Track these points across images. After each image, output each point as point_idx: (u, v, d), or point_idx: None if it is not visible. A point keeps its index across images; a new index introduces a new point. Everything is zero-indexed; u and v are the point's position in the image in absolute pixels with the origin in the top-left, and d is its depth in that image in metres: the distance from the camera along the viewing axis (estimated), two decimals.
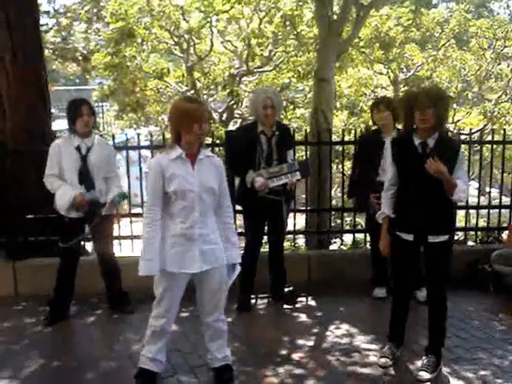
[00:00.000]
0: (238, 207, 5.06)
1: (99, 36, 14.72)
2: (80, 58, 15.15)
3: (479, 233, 6.31)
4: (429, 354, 3.77)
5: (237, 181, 4.97)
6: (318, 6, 7.49)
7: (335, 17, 7.45)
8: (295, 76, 11.09)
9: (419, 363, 3.82)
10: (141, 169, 5.65)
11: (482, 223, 6.73)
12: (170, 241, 3.37)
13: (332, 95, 7.74)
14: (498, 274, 5.33)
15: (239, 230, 5.17)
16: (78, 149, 4.49)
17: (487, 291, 5.31)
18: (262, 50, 11.46)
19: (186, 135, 3.34)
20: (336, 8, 8.88)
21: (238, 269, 3.57)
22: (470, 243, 6.53)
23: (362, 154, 5.11)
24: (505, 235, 6.26)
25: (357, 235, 6.24)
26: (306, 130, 5.89)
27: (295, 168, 4.68)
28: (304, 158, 5.67)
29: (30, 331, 4.51)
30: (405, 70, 13.07)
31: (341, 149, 6.14)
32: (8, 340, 4.33)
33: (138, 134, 5.92)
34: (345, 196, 5.66)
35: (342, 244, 6.16)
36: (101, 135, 4.83)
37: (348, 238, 6.73)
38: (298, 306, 5.01)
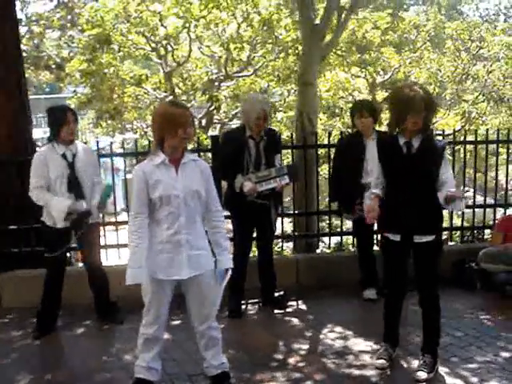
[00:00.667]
0: (226, 212, 5.02)
1: (73, 43, 14.57)
2: (53, 65, 14.99)
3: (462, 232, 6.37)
4: (425, 353, 3.78)
5: (224, 185, 4.95)
6: (301, 10, 7.52)
7: (318, 21, 7.49)
8: (274, 80, 11.11)
9: (415, 363, 3.83)
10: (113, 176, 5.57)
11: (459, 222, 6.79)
12: (157, 248, 3.33)
13: (316, 99, 7.79)
14: (485, 273, 5.38)
15: (229, 235, 5.16)
16: (64, 156, 4.41)
17: (474, 289, 5.36)
18: (240, 55, 11.46)
19: (171, 140, 3.30)
20: (319, 12, 8.95)
21: (229, 274, 3.50)
22: (451, 243, 6.60)
23: (343, 157, 5.11)
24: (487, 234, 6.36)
25: (344, 238, 6.25)
26: (292, 133, 5.90)
27: (283, 172, 4.67)
28: (291, 161, 5.64)
29: (18, 344, 4.41)
30: (381, 73, 13.20)
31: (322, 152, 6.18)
32: None
33: (111, 143, 5.84)
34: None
35: (324, 247, 6.19)
36: (85, 143, 4.74)
37: (334, 240, 6.77)
38: (288, 310, 5.00)
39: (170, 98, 11.79)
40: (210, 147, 5.69)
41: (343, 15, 7.86)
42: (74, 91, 13.96)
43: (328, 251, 6.30)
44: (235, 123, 12.86)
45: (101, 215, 4.77)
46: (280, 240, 6.00)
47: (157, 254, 3.32)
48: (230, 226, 4.99)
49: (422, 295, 3.78)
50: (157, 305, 3.40)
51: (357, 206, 4.83)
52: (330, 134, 5.89)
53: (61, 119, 4.39)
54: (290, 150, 5.83)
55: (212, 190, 3.48)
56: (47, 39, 14.98)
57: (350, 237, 6.27)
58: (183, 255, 3.31)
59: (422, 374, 3.66)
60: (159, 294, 3.38)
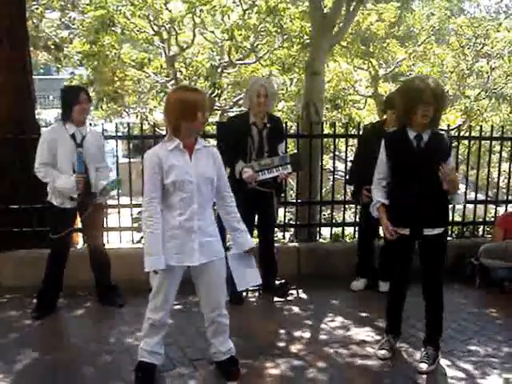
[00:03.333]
0: None
1: (73, 25, 14.43)
2: (52, 46, 14.84)
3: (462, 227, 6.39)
4: (427, 345, 3.80)
5: (227, 172, 4.92)
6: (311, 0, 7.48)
7: (327, 10, 7.43)
8: (279, 69, 11.05)
9: (418, 355, 3.85)
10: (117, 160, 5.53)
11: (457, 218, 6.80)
12: (169, 233, 3.30)
13: (323, 88, 7.76)
14: (485, 268, 5.41)
15: None
16: (73, 137, 4.38)
17: (474, 285, 5.39)
18: (244, 42, 11.37)
19: (188, 124, 3.26)
20: (328, 2, 8.89)
21: (258, 280, 3.61)
22: (449, 238, 6.61)
23: (363, 145, 5.12)
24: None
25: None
26: (297, 123, 5.87)
27: (286, 161, 4.65)
28: (295, 151, 5.62)
29: (18, 324, 4.39)
30: (384, 65, 13.16)
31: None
32: None
33: (116, 125, 5.79)
34: (337, 188, 5.67)
35: (322, 237, 6.18)
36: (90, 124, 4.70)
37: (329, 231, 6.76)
38: (289, 298, 5.01)
39: (172, 82, 11.72)
40: (213, 133, 5.65)
41: (353, 5, 7.82)
42: (72, 73, 13.83)
43: (325, 242, 6.31)
44: (235, 110, 12.79)
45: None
46: (281, 229, 6.00)
47: (168, 240, 3.30)
48: None
49: (426, 288, 3.79)
50: (165, 290, 3.39)
51: (365, 188, 4.82)
52: (334, 125, 5.87)
53: (73, 99, 4.36)
54: (295, 139, 5.82)
55: (223, 175, 3.49)
56: (47, 20, 14.82)
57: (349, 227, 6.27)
58: (195, 242, 3.30)
59: (424, 366, 3.68)
60: (168, 279, 3.36)
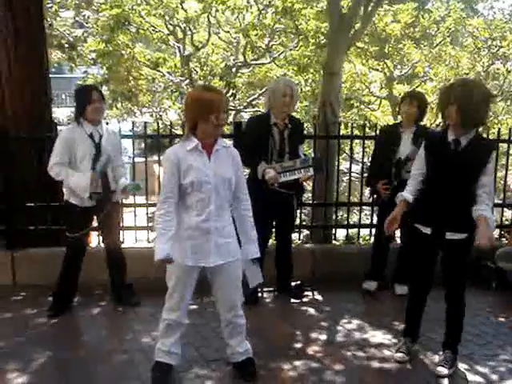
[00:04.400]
0: None
1: (87, 23, 14.49)
2: (66, 45, 14.89)
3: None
4: (446, 349, 3.76)
5: (246, 172, 4.91)
6: (329, 0, 7.45)
7: (345, 10, 7.41)
8: (294, 69, 11.02)
9: (436, 358, 3.81)
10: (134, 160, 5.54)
11: None
12: (185, 233, 3.29)
13: (340, 89, 7.73)
14: (502, 271, 5.35)
15: None
16: (91, 136, 4.38)
17: (490, 288, 5.33)
18: (259, 42, 11.36)
19: (203, 125, 3.24)
20: (346, 2, 8.82)
21: (259, 279, 3.53)
22: None
23: (379, 146, 5.09)
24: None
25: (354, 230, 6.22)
26: (315, 123, 5.84)
27: (308, 164, 4.63)
28: (312, 151, 5.59)
29: (33, 322, 4.39)
30: (399, 66, 13.09)
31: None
32: (12, 332, 4.21)
33: (133, 123, 5.80)
34: (352, 190, 5.64)
35: (335, 239, 6.15)
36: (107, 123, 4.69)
37: (343, 233, 6.71)
38: (304, 300, 4.98)
39: (186, 82, 11.73)
40: (230, 133, 5.63)
41: (371, 5, 7.78)
42: (85, 72, 13.89)
43: (337, 243, 6.28)
44: (250, 111, 12.77)
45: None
46: (296, 230, 5.97)
47: (185, 240, 3.29)
48: None
49: (447, 292, 3.74)
50: (181, 290, 3.38)
51: (381, 182, 4.84)
52: (351, 126, 5.83)
53: (86, 99, 4.35)
54: (311, 140, 5.78)
55: (241, 177, 3.45)
56: (61, 19, 14.89)
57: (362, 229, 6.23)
58: (211, 243, 3.28)
59: (443, 370, 3.64)
60: (184, 279, 3.35)
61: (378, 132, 5.44)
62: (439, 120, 10.38)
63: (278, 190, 4.60)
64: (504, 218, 6.31)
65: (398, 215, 3.71)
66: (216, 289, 3.46)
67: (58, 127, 5.34)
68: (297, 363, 3.77)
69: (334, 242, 6.22)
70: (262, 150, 4.60)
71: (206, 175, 3.24)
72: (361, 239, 6.64)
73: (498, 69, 12.18)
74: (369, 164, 5.44)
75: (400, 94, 13.03)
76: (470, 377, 3.67)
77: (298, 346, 4.06)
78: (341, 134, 5.88)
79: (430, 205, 3.62)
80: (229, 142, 5.17)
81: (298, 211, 5.76)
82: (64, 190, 4.52)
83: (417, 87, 12.77)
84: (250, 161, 4.67)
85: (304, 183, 4.92)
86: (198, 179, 3.23)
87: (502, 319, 4.68)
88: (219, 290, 3.44)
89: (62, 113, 19.96)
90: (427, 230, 3.65)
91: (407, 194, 3.72)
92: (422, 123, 5.03)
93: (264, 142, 4.61)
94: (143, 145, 5.77)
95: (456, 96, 3.42)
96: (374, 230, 5.54)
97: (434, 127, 5.42)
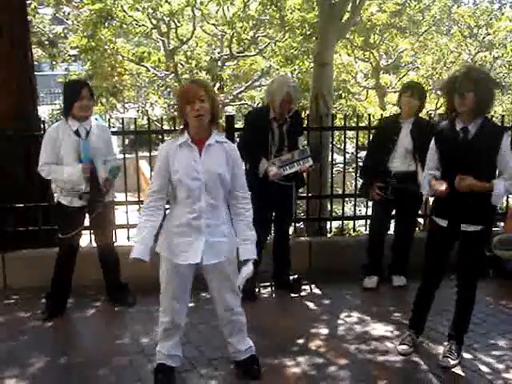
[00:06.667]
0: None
1: (68, 20, 14.28)
2: (46, 42, 14.67)
3: None
4: (452, 340, 3.72)
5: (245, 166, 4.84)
6: None
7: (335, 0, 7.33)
8: (282, 61, 10.91)
9: (439, 350, 3.78)
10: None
11: None
12: (176, 230, 3.21)
13: (332, 80, 7.66)
14: (498, 259, 5.34)
15: None
16: (77, 133, 4.25)
17: (487, 276, 5.31)
18: (244, 34, 11.24)
19: (188, 119, 3.14)
20: None
21: (250, 269, 3.27)
22: None
23: (377, 137, 5.03)
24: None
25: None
26: (307, 115, 5.77)
27: (307, 154, 4.58)
28: (308, 144, 5.49)
29: (28, 326, 4.29)
30: (385, 56, 13.06)
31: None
32: (7, 336, 4.10)
33: (123, 119, 5.69)
34: (347, 182, 5.59)
35: (331, 231, 6.10)
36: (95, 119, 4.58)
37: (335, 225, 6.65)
38: (302, 293, 4.92)
39: (172, 76, 11.60)
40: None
41: None
42: (66, 69, 13.71)
43: (337, 236, 6.24)
44: (236, 104, 12.67)
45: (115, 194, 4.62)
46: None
47: (175, 237, 3.21)
48: None
49: (461, 282, 3.70)
50: (173, 290, 3.29)
51: (376, 185, 4.77)
52: (345, 117, 5.77)
53: (75, 94, 4.23)
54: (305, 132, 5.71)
55: (239, 174, 3.30)
56: (39, 15, 14.66)
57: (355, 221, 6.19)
58: (202, 240, 3.19)
59: (449, 361, 3.61)
60: (175, 278, 3.27)
61: (369, 123, 5.40)
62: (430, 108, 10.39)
63: (279, 182, 4.55)
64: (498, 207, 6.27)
65: (435, 183, 3.55)
66: (211, 288, 3.38)
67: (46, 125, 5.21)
68: (300, 359, 3.72)
69: (328, 234, 6.18)
70: (262, 145, 4.54)
71: (195, 171, 3.14)
72: (352, 231, 6.60)
73: (484, 56, 12.19)
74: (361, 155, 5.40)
75: (386, 84, 13.04)
76: (475, 367, 3.64)
77: (300, 341, 4.00)
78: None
79: (446, 198, 3.55)
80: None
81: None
82: (54, 190, 4.41)
83: (403, 77, 12.78)
84: (249, 156, 4.61)
85: (304, 174, 4.86)
86: (186, 175, 3.14)
87: (501, 307, 4.66)
88: (214, 289, 3.36)
89: (43, 111, 19.70)
90: (444, 223, 3.60)
91: (425, 192, 3.68)
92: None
93: (263, 137, 4.54)
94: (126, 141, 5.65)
95: (474, 83, 3.34)
96: (369, 225, 5.47)
97: (425, 116, 5.35)
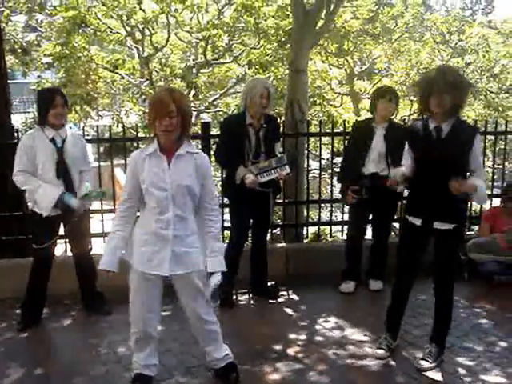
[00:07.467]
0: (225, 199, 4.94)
1: (40, 27, 14.13)
2: (19, 50, 14.49)
3: None
4: (432, 342, 3.75)
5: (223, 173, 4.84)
6: None
7: (309, 7, 7.37)
8: (256, 68, 10.93)
9: (417, 353, 3.81)
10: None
11: None
12: (142, 238, 3.20)
13: (307, 86, 7.71)
14: (473, 263, 5.41)
15: (225, 224, 5.06)
16: (53, 141, 4.21)
17: (462, 279, 5.38)
18: (219, 41, 11.24)
19: (156, 131, 3.10)
20: None
21: (218, 278, 3.24)
22: None
23: (352, 142, 5.07)
24: None
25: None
26: (283, 121, 5.79)
27: (284, 162, 4.58)
28: (281, 149, 5.52)
29: (3, 338, 4.20)
30: (359, 63, 13.19)
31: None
32: None
33: (97, 127, 5.66)
34: (323, 188, 5.62)
35: (303, 238, 6.11)
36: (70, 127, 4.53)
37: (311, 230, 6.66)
38: (280, 300, 4.92)
39: (146, 83, 11.55)
40: (197, 134, 5.54)
41: (334, 1, 7.77)
42: (39, 76, 13.55)
43: (313, 242, 6.26)
44: (212, 111, 12.66)
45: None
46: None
47: (143, 245, 3.19)
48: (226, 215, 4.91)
49: (437, 284, 3.73)
50: (140, 299, 3.26)
51: (351, 189, 4.79)
52: (321, 123, 5.80)
53: (48, 102, 4.18)
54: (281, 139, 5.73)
55: (209, 185, 3.25)
56: (12, 23, 14.49)
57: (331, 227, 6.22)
58: (168, 251, 3.16)
59: (425, 364, 3.65)
60: (142, 287, 3.24)
61: (344, 129, 5.43)
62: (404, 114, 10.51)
63: (257, 189, 4.55)
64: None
65: (402, 171, 3.64)
66: (180, 298, 3.36)
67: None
68: (279, 365, 3.72)
69: (305, 240, 6.20)
70: (238, 151, 4.53)
71: (162, 181, 3.11)
72: (328, 237, 6.62)
73: (457, 62, 12.39)
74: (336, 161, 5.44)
75: (361, 90, 13.15)
76: (453, 369, 3.68)
77: (278, 347, 3.99)
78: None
79: (419, 196, 3.63)
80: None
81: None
82: (28, 198, 4.35)
83: (377, 83, 12.91)
84: (226, 163, 4.60)
85: (280, 181, 4.87)
86: (153, 185, 3.12)
87: (477, 309, 4.71)
88: (182, 300, 3.34)
89: (16, 119, 19.45)
90: (417, 221, 3.65)
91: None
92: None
93: (240, 143, 4.53)
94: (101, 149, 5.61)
95: (449, 84, 3.37)
96: (346, 230, 5.50)
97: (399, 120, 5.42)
